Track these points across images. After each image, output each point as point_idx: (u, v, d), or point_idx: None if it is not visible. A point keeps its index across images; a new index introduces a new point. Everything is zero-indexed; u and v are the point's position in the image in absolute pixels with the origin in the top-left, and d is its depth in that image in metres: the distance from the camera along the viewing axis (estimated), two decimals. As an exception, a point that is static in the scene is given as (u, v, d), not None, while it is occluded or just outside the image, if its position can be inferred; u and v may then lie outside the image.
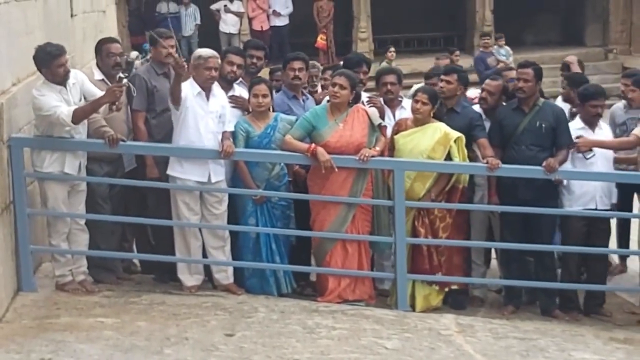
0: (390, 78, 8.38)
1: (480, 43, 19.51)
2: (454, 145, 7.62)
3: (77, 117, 6.99)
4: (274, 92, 8.08)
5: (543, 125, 7.76)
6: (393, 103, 8.37)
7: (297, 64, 8.17)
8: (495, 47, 19.23)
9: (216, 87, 7.61)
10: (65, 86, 7.14)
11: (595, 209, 7.90)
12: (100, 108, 7.18)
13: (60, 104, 7.00)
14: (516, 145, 7.79)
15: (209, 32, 20.73)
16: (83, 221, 7.48)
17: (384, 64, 16.92)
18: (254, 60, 8.39)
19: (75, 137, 7.23)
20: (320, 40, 20.62)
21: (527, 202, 7.66)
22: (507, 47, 19.29)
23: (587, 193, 7.90)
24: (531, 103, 7.86)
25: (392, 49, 18.41)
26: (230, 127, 7.60)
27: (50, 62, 7.06)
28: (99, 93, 7.26)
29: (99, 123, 7.33)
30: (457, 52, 17.64)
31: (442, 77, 8.16)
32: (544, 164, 7.56)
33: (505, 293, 8.22)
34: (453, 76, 8.12)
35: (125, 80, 7.20)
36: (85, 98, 7.27)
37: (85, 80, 7.39)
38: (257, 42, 9.56)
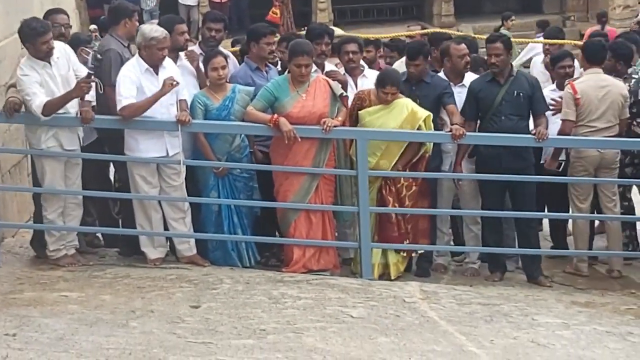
0: (352, 47, 8.32)
1: None
2: (422, 125, 7.61)
3: (47, 110, 7.03)
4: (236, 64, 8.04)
5: (521, 94, 7.85)
6: (355, 72, 8.35)
7: (273, 39, 8.22)
8: None
9: (165, 60, 7.50)
10: (49, 62, 7.12)
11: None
12: (69, 102, 7.15)
13: (37, 91, 7.01)
14: (495, 116, 7.85)
15: (168, 4, 20.54)
16: (80, 196, 7.51)
17: (504, 31, 16.45)
18: (213, 33, 8.34)
19: (71, 112, 7.22)
20: (272, 15, 19.08)
21: (511, 171, 7.73)
22: None
23: None
24: (506, 74, 7.92)
25: (513, 17, 17.83)
26: (184, 95, 7.52)
27: (34, 38, 7.07)
28: (82, 68, 7.35)
29: None
30: (513, 17, 17.31)
31: (409, 62, 8.03)
32: (535, 133, 7.62)
33: (490, 262, 8.29)
34: (420, 58, 8.05)
35: (93, 76, 7.17)
36: (74, 70, 7.29)
37: (71, 53, 7.41)
38: (216, 14, 9.46)
